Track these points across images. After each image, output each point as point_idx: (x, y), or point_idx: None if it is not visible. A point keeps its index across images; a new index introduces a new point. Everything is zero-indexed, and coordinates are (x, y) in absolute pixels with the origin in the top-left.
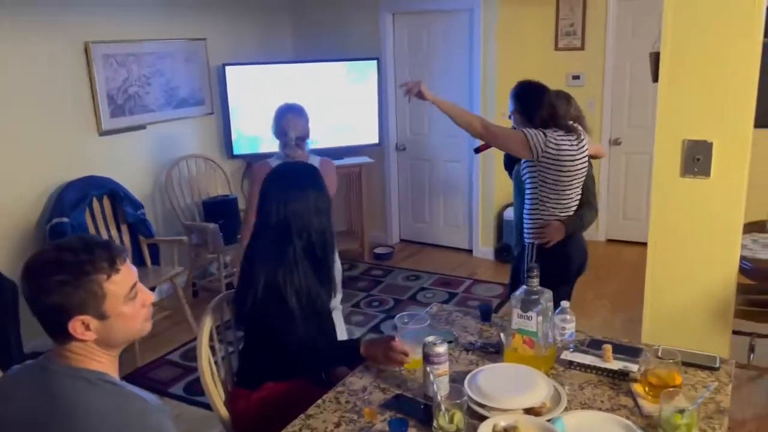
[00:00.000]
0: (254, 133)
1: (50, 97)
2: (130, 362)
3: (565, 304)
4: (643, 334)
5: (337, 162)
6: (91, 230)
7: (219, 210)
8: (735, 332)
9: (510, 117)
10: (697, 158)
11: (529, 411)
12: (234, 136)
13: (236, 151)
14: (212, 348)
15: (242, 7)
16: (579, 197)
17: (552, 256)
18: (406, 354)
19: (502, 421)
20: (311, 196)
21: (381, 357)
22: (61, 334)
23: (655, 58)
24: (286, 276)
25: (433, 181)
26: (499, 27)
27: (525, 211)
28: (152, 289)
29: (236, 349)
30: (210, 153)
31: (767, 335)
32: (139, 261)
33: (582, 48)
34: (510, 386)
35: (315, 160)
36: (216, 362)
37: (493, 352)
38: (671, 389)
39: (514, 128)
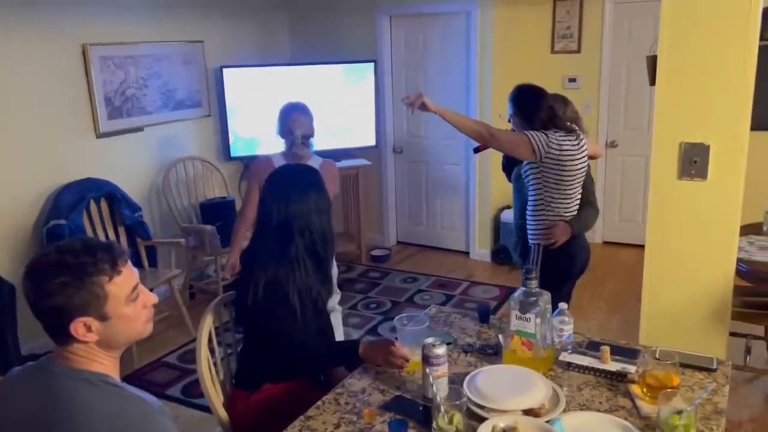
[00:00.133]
0: (251, 135)
1: (48, 99)
2: (128, 364)
3: (563, 305)
4: (641, 336)
5: None
6: (89, 232)
7: (216, 212)
8: (731, 334)
9: (509, 120)
10: (694, 161)
11: (528, 412)
12: (231, 139)
13: (233, 153)
14: (211, 350)
15: (240, 9)
16: (580, 197)
17: (557, 256)
18: (406, 359)
19: (501, 423)
20: (312, 196)
21: (381, 360)
22: (62, 336)
23: (652, 61)
24: (288, 273)
25: (430, 183)
26: (495, 30)
27: (529, 213)
28: (149, 291)
29: (235, 351)
30: (207, 155)
31: (763, 337)
32: (136, 263)
33: (578, 51)
34: (509, 387)
35: (317, 162)
36: (215, 364)
37: (492, 353)
38: (669, 390)
39: (513, 131)
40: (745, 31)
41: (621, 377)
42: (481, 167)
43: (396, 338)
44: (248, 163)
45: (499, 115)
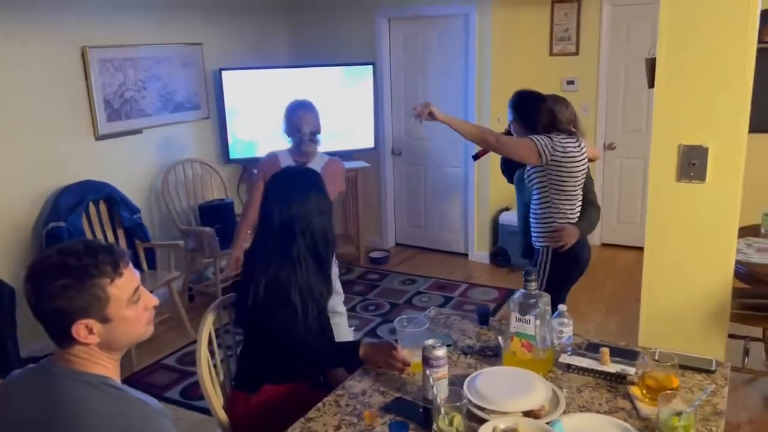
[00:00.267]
0: (250, 137)
1: (47, 102)
2: (127, 367)
3: (562, 307)
4: (640, 338)
5: None
6: (88, 234)
7: (215, 214)
8: (729, 336)
9: (509, 126)
10: (692, 163)
11: (528, 414)
12: (230, 141)
13: (232, 155)
14: (210, 352)
15: (238, 11)
16: (582, 197)
17: (565, 258)
18: (407, 364)
19: (502, 424)
20: (313, 198)
21: (381, 362)
22: (64, 338)
23: (651, 63)
24: (290, 274)
25: (428, 185)
26: (494, 32)
27: (535, 216)
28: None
29: (234, 353)
30: (206, 157)
31: (761, 339)
32: (135, 265)
33: (576, 53)
34: (509, 389)
35: (323, 159)
36: (214, 365)
37: (492, 355)
38: (668, 392)
39: (509, 134)
40: (744, 33)
41: (620, 379)
42: (480, 169)
43: (396, 340)
44: (247, 165)
45: (497, 119)
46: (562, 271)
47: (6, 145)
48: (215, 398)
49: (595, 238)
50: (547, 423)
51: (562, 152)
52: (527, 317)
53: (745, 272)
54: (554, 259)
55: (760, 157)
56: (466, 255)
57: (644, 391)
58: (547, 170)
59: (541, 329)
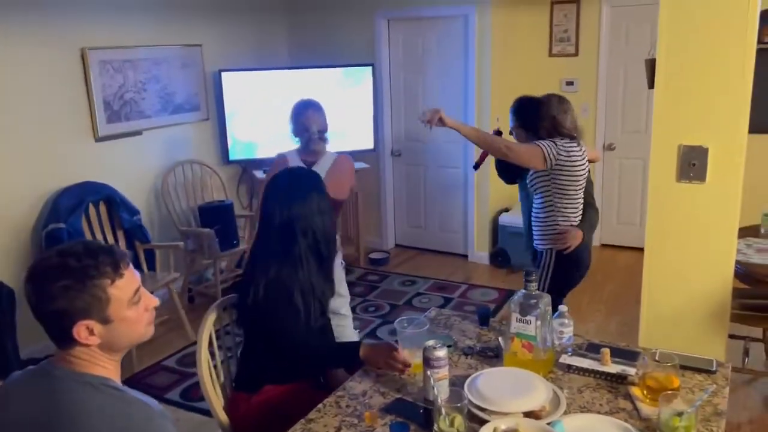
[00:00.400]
0: (250, 138)
1: (47, 103)
2: (127, 368)
3: (563, 308)
4: (640, 338)
5: None
6: (88, 236)
7: (215, 215)
8: (730, 336)
9: (511, 133)
10: (692, 163)
11: (528, 414)
12: (230, 142)
13: (232, 156)
14: (211, 353)
15: (238, 13)
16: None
17: (567, 260)
18: (407, 365)
19: (502, 425)
20: (314, 198)
21: (382, 363)
22: (65, 339)
23: (651, 64)
24: (292, 273)
25: (428, 186)
26: (493, 33)
27: (538, 219)
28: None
29: (234, 354)
30: (206, 159)
31: (761, 339)
32: (135, 266)
33: (576, 54)
34: (509, 390)
35: (332, 157)
36: (215, 366)
37: (492, 356)
38: (669, 392)
39: (499, 134)
40: (744, 33)
41: (621, 379)
42: (480, 170)
43: (396, 341)
44: (247, 166)
45: (497, 119)
46: (564, 273)
47: (6, 147)
48: (216, 399)
49: (595, 239)
50: (548, 423)
51: (566, 157)
52: (528, 318)
53: (745, 272)
54: (557, 262)
55: (760, 157)
56: (466, 256)
57: (645, 392)
58: (551, 175)
59: (541, 330)
